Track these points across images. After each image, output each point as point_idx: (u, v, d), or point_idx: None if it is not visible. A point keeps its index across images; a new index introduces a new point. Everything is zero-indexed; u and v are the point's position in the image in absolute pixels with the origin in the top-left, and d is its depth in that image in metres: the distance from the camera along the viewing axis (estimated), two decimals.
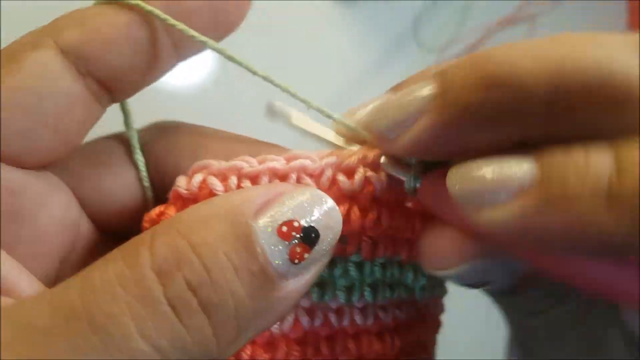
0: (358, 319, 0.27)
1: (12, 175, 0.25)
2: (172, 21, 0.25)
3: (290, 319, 0.26)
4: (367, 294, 0.27)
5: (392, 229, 0.26)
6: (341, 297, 0.27)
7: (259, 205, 0.22)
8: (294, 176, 0.25)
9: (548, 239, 0.19)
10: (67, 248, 0.27)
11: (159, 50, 0.26)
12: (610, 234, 0.18)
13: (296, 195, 0.22)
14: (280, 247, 0.21)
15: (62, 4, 0.28)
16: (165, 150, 0.28)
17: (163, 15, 0.25)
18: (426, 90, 0.22)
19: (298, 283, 0.22)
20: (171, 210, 0.26)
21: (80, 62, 0.25)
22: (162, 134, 0.29)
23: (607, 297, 0.24)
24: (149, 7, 0.25)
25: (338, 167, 0.26)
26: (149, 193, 0.28)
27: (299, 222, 0.21)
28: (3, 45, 0.25)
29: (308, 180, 0.25)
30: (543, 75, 0.19)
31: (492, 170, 0.20)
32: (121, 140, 0.30)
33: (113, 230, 0.30)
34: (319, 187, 0.25)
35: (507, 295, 0.28)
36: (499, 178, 0.20)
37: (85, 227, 0.28)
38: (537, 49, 0.20)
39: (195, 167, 0.26)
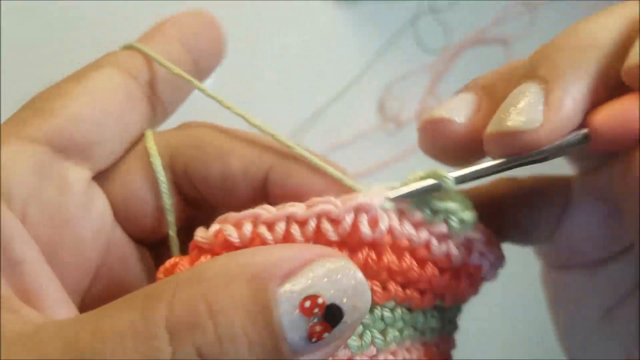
0: None
1: (67, 173, 0.26)
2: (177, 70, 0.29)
3: None
4: (378, 340, 0.26)
5: (403, 276, 0.26)
6: (353, 347, 0.26)
7: (286, 271, 0.20)
8: (312, 223, 0.24)
9: None
10: (103, 254, 0.28)
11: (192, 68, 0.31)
12: None
13: (327, 265, 0.20)
14: (300, 324, 0.20)
15: (62, 4, 0.29)
16: (194, 157, 0.29)
17: (175, 69, 0.29)
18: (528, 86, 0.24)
19: (312, 357, 0.21)
20: (185, 261, 0.25)
21: (138, 74, 0.29)
22: (190, 139, 0.30)
23: None
24: (158, 57, 0.29)
25: (360, 214, 0.24)
26: (170, 219, 0.29)
27: (323, 299, 0.20)
28: (3, 45, 0.26)
29: (328, 226, 0.24)
30: None
31: None
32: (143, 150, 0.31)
33: (144, 239, 0.30)
34: (339, 232, 0.24)
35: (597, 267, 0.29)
36: None
37: (118, 234, 0.29)
38: None
39: (217, 219, 0.25)
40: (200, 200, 0.30)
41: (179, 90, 0.31)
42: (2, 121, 0.27)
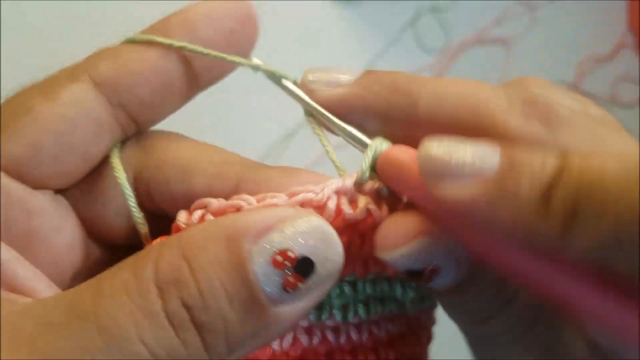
0: (354, 335, 0.28)
1: (34, 198, 0.26)
2: (205, 50, 0.28)
3: (289, 338, 0.27)
4: (361, 311, 0.28)
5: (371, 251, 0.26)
6: (337, 316, 0.28)
7: (259, 230, 0.22)
8: None
9: (493, 227, 0.21)
10: (77, 268, 0.29)
11: (184, 81, 0.28)
12: (541, 233, 0.20)
13: (297, 223, 0.22)
14: (274, 276, 0.22)
15: (62, 4, 0.29)
16: (155, 178, 0.29)
17: (196, 48, 0.27)
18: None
19: (293, 308, 0.22)
20: None
21: (112, 94, 0.27)
22: (151, 159, 0.29)
23: (545, 299, 0.26)
24: (179, 43, 0.27)
25: (340, 197, 0.26)
26: (143, 227, 0.29)
27: (294, 253, 0.22)
28: (3, 45, 0.26)
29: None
30: None
31: (462, 149, 0.22)
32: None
33: (119, 245, 0.30)
34: (323, 217, 0.25)
35: (454, 295, 0.28)
36: (470, 155, 0.21)
37: (91, 246, 0.30)
38: None
39: (196, 204, 0.27)
40: (164, 215, 0.29)
41: (169, 98, 0.29)
42: None
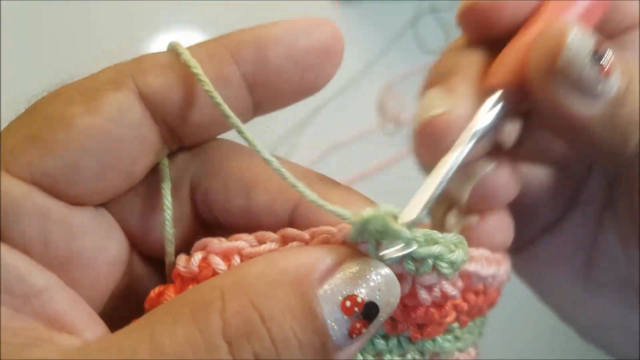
0: None
1: (74, 216, 0.24)
2: (214, 94, 0.24)
3: None
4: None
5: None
6: None
7: (323, 273, 0.21)
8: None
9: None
10: (118, 284, 0.27)
11: (238, 107, 0.25)
12: None
13: (362, 266, 0.22)
14: (342, 322, 0.21)
15: (61, 4, 0.28)
16: (214, 188, 0.26)
17: (213, 92, 0.24)
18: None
19: (349, 353, 0.22)
20: (170, 291, 0.25)
21: (158, 110, 0.24)
22: (212, 168, 0.27)
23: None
24: (208, 87, 0.24)
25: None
26: (169, 245, 0.27)
27: (362, 298, 0.21)
28: (3, 45, 0.25)
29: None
30: None
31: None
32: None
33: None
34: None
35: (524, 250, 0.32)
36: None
37: (135, 259, 0.28)
38: None
39: (195, 246, 0.25)
40: (218, 226, 0.28)
41: (219, 121, 0.26)
42: (2, 123, 0.25)
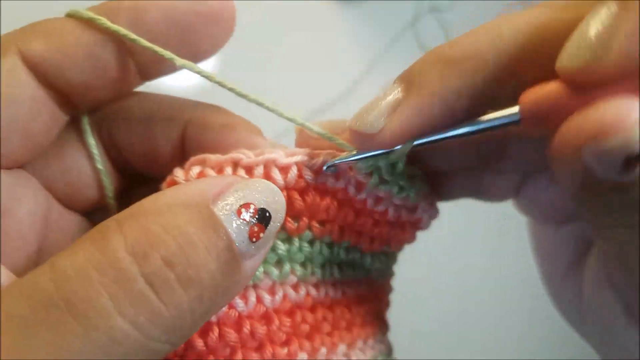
0: (331, 292, 0.32)
1: None
2: (144, 42, 0.26)
3: (280, 294, 0.29)
4: (336, 271, 0.32)
5: (346, 222, 0.31)
6: (318, 273, 0.31)
7: (215, 194, 0.23)
8: (259, 169, 0.28)
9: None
10: (42, 237, 0.28)
11: (121, 71, 0.27)
12: None
13: (248, 183, 0.24)
14: (241, 227, 0.23)
15: (61, 4, 0.28)
16: (117, 127, 0.29)
17: (130, 35, 0.25)
18: (395, 87, 0.26)
19: (253, 263, 0.24)
20: None
21: (40, 73, 0.26)
22: (113, 112, 0.30)
23: None
24: (115, 27, 0.25)
25: (303, 164, 0.29)
26: (107, 182, 0.30)
27: (254, 205, 0.24)
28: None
29: (278, 174, 0.28)
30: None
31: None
32: (73, 127, 0.30)
33: (90, 211, 0.31)
34: (287, 178, 0.28)
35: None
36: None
37: (57, 212, 0.29)
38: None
39: (192, 160, 0.28)
40: (127, 167, 0.31)
41: (103, 85, 0.27)
42: None
